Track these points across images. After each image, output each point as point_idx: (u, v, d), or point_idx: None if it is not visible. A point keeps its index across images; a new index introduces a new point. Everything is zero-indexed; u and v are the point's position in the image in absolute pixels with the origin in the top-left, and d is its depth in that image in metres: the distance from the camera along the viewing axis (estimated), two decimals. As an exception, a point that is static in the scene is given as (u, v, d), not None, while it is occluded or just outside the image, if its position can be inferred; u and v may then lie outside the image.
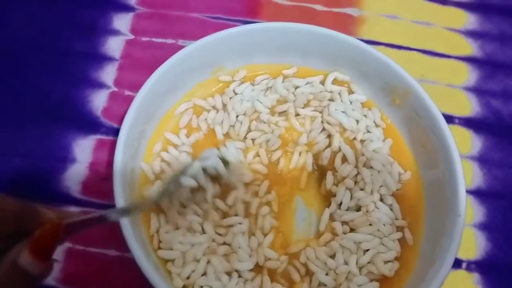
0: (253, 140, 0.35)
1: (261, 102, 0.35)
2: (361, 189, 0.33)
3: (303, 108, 0.35)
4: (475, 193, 0.36)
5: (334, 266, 0.31)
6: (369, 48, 0.35)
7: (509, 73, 0.40)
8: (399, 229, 0.33)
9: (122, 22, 0.41)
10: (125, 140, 0.32)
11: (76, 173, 0.35)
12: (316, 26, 0.36)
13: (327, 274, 0.31)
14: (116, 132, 0.37)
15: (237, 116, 0.35)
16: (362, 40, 0.38)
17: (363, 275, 0.31)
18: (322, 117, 0.35)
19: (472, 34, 0.42)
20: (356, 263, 0.31)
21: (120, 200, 0.30)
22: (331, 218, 0.33)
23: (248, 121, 0.35)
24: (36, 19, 0.41)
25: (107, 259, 0.33)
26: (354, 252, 0.31)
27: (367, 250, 0.31)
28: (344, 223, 0.32)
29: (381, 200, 0.33)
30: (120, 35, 0.41)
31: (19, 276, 0.22)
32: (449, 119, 0.38)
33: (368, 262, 0.31)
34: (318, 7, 0.42)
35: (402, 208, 0.33)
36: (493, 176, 0.37)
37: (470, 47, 0.41)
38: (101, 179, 0.35)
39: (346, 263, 0.31)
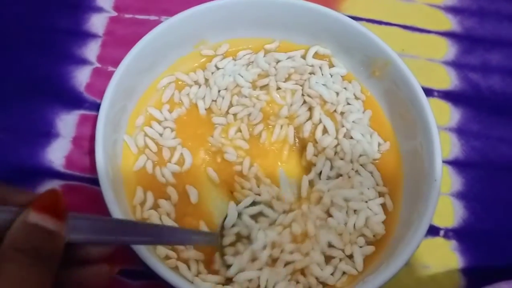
0: (234, 115, 0.35)
1: (242, 77, 0.36)
2: (341, 159, 0.34)
3: (284, 82, 0.36)
4: (453, 163, 0.37)
5: (335, 224, 0.32)
6: (350, 21, 0.36)
7: (487, 48, 0.41)
8: (381, 195, 0.34)
9: (105, -1, 0.41)
10: (106, 114, 0.32)
11: (59, 147, 0.36)
12: (298, 0, 0.36)
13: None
14: (99, 107, 0.37)
15: (219, 91, 0.36)
16: (344, 15, 0.38)
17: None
18: (302, 90, 0.35)
19: (451, 9, 0.43)
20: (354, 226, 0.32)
21: (102, 173, 0.31)
22: (312, 185, 0.34)
23: (230, 95, 0.35)
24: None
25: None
26: (345, 209, 0.32)
27: (357, 212, 0.32)
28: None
29: (362, 167, 0.34)
30: (103, 12, 0.41)
31: (35, 230, 0.22)
32: (429, 92, 0.39)
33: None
34: (301, -16, 0.43)
35: (382, 176, 0.34)
36: (470, 147, 0.37)
37: (449, 23, 0.42)
38: (84, 153, 0.36)
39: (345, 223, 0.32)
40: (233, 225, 0.31)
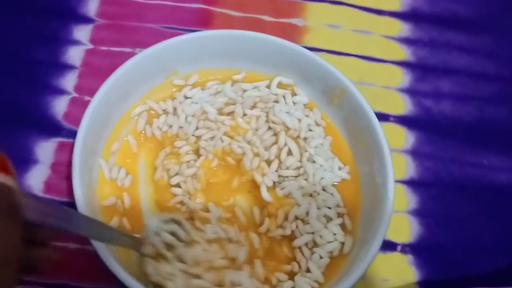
0: (198, 137, 0.37)
1: (210, 104, 0.38)
2: (305, 180, 0.36)
3: (250, 109, 0.39)
4: (409, 183, 0.40)
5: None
6: (309, 53, 0.39)
7: (439, 75, 0.45)
8: (339, 215, 0.36)
9: (82, 32, 0.44)
10: (82, 141, 0.35)
11: (38, 173, 0.37)
12: (262, 34, 0.39)
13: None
14: (76, 134, 0.39)
15: (186, 118, 0.38)
16: (306, 47, 0.41)
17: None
18: (267, 117, 0.38)
19: (405, 41, 0.46)
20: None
21: (79, 197, 0.32)
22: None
23: (196, 121, 0.38)
24: (3, 30, 0.43)
25: (68, 252, 0.35)
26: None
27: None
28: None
29: (323, 190, 0.37)
30: (80, 44, 0.43)
31: None
32: (385, 117, 0.42)
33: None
34: (266, 18, 0.46)
35: (342, 198, 0.37)
36: (424, 168, 0.40)
37: (404, 53, 0.45)
38: (62, 178, 0.37)
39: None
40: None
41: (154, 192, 0.36)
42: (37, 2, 0.45)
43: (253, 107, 0.39)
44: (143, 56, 0.37)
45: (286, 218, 0.35)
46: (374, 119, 0.36)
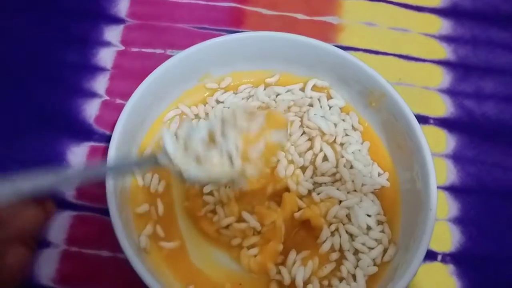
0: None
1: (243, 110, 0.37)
2: (343, 185, 0.35)
3: (283, 114, 0.37)
4: (450, 189, 0.38)
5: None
6: (346, 54, 0.37)
7: (481, 75, 0.43)
8: (379, 223, 0.35)
9: (113, 33, 0.43)
10: (116, 146, 0.34)
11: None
12: (296, 35, 0.38)
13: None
14: (108, 139, 0.38)
15: (218, 123, 0.37)
16: (341, 46, 0.40)
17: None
18: (302, 121, 0.37)
19: (446, 38, 0.44)
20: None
21: (112, 205, 0.32)
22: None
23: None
24: (31, 33, 0.43)
25: (101, 260, 0.35)
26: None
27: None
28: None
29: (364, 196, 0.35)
30: (111, 46, 0.43)
31: None
32: (425, 119, 0.40)
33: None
34: (299, 16, 0.44)
35: (382, 205, 0.35)
36: (466, 173, 0.39)
37: (444, 51, 0.43)
38: (94, 184, 0.37)
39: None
40: None
41: (185, 199, 0.35)
42: (67, 3, 0.44)
43: (287, 111, 0.38)
44: (176, 59, 0.37)
45: (325, 216, 0.34)
46: (415, 123, 0.35)
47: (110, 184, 0.33)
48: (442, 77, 0.42)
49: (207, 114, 0.38)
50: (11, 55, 0.42)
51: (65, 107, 0.40)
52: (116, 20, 0.44)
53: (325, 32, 0.44)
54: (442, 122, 0.41)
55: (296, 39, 0.38)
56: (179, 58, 0.37)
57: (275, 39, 0.38)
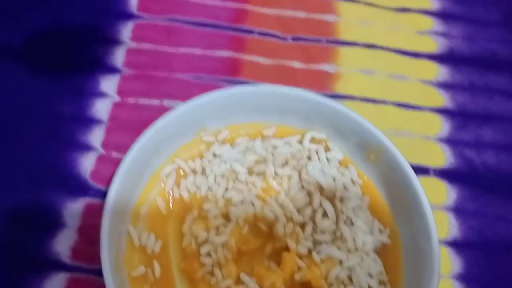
0: (228, 200, 0.36)
1: (239, 164, 0.37)
2: (343, 243, 0.34)
3: (281, 167, 0.37)
4: (452, 244, 0.38)
5: None
6: (342, 107, 0.37)
7: (480, 123, 0.42)
8: (382, 283, 0.34)
9: (109, 84, 0.43)
10: (112, 205, 0.34)
11: (65, 238, 0.36)
12: (292, 88, 0.38)
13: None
14: (104, 194, 0.38)
15: (215, 178, 0.37)
16: (338, 95, 0.40)
17: None
18: (300, 176, 0.36)
19: (443, 85, 0.44)
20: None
21: (106, 266, 0.31)
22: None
23: (226, 182, 0.36)
24: (24, 85, 0.42)
25: None
26: None
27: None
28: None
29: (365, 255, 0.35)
30: (107, 97, 0.42)
31: None
32: (424, 170, 0.40)
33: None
34: (296, 64, 0.44)
35: (383, 264, 0.35)
36: (468, 226, 0.38)
37: (442, 99, 0.43)
38: (89, 243, 0.36)
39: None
40: None
41: (182, 260, 0.35)
42: (62, 53, 0.44)
43: (285, 164, 0.37)
44: (174, 114, 0.36)
45: (326, 278, 0.33)
46: (414, 177, 0.34)
47: (105, 247, 0.32)
48: (440, 126, 0.42)
49: (203, 168, 0.38)
50: (4, 108, 0.41)
51: (60, 161, 0.40)
52: (112, 70, 0.44)
53: (322, 81, 0.43)
54: (442, 173, 0.40)
55: (292, 92, 0.37)
56: (176, 114, 0.36)
57: (271, 93, 0.38)
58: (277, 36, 0.45)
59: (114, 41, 0.45)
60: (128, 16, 0.46)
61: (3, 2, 0.46)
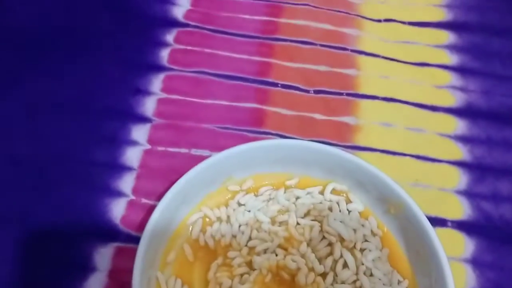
0: (251, 248, 0.37)
1: (263, 213, 0.38)
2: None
3: (303, 217, 0.38)
4: (470, 296, 0.38)
5: None
6: (364, 163, 0.38)
7: (497, 176, 0.43)
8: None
9: (140, 133, 0.45)
10: (144, 252, 0.35)
11: (96, 281, 0.38)
12: (314, 143, 0.39)
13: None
14: (133, 239, 0.40)
15: (239, 226, 0.38)
16: (358, 147, 0.41)
17: None
18: (321, 226, 0.38)
19: (461, 139, 0.45)
20: None
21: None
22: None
23: (250, 230, 0.38)
24: (65, 133, 0.45)
25: None
26: None
27: None
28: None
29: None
30: (138, 145, 0.45)
31: None
32: (442, 222, 0.41)
33: None
34: (318, 116, 0.46)
35: (401, 316, 0.36)
36: (486, 279, 0.39)
37: (460, 152, 0.45)
38: (119, 286, 0.38)
39: None
40: None
41: (209, 307, 0.36)
42: (98, 103, 0.47)
43: (307, 214, 0.39)
44: (204, 165, 0.38)
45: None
46: (431, 230, 0.35)
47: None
48: (459, 178, 0.43)
49: (228, 217, 0.39)
50: (45, 155, 0.44)
51: (92, 206, 0.42)
52: (143, 119, 0.46)
53: (342, 132, 0.45)
54: (460, 225, 0.41)
55: (314, 146, 0.39)
56: (205, 165, 0.38)
57: (294, 146, 0.40)
58: (300, 89, 0.48)
59: (146, 92, 0.47)
60: (159, 68, 0.49)
61: (48, 55, 0.49)
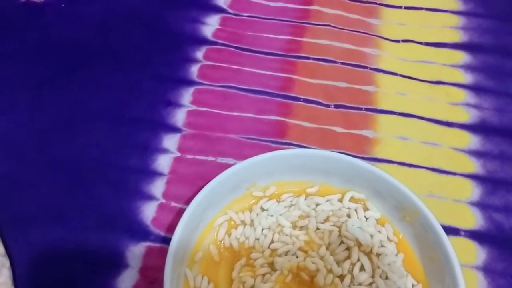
0: (274, 250, 0.40)
1: (284, 218, 0.41)
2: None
3: (322, 223, 0.41)
4: (481, 302, 0.40)
5: None
6: (381, 172, 0.41)
7: (509, 189, 0.45)
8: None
9: (170, 141, 0.49)
10: (175, 250, 0.38)
11: (128, 277, 0.41)
12: (334, 152, 0.42)
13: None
14: (163, 239, 0.43)
15: (262, 230, 0.41)
16: (376, 159, 0.44)
17: None
18: (340, 232, 0.40)
19: (475, 153, 0.48)
20: None
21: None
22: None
23: (272, 234, 0.40)
24: (101, 140, 0.48)
25: None
26: None
27: None
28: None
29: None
30: (168, 153, 0.48)
31: None
32: (455, 231, 0.43)
33: None
34: (338, 129, 0.49)
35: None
36: (497, 285, 0.41)
37: (473, 165, 0.47)
38: (149, 282, 0.41)
39: None
40: None
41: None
42: (132, 113, 0.50)
43: (326, 220, 0.41)
44: (230, 172, 0.41)
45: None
46: (445, 238, 0.38)
47: (167, 285, 0.36)
48: (472, 190, 0.45)
49: (252, 221, 0.42)
50: (82, 160, 0.47)
51: (125, 208, 0.45)
52: (174, 130, 0.49)
53: (361, 145, 0.48)
54: (473, 235, 0.43)
55: (334, 156, 0.42)
56: (231, 172, 0.41)
57: (315, 156, 0.42)
58: (321, 103, 0.51)
59: (177, 104, 0.51)
60: (190, 82, 0.52)
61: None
